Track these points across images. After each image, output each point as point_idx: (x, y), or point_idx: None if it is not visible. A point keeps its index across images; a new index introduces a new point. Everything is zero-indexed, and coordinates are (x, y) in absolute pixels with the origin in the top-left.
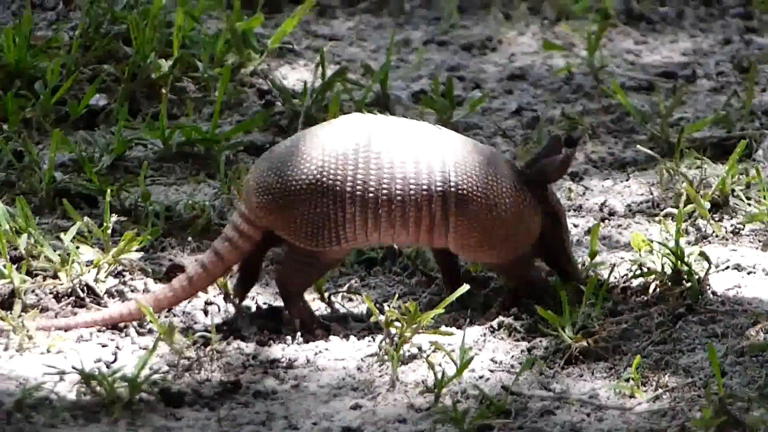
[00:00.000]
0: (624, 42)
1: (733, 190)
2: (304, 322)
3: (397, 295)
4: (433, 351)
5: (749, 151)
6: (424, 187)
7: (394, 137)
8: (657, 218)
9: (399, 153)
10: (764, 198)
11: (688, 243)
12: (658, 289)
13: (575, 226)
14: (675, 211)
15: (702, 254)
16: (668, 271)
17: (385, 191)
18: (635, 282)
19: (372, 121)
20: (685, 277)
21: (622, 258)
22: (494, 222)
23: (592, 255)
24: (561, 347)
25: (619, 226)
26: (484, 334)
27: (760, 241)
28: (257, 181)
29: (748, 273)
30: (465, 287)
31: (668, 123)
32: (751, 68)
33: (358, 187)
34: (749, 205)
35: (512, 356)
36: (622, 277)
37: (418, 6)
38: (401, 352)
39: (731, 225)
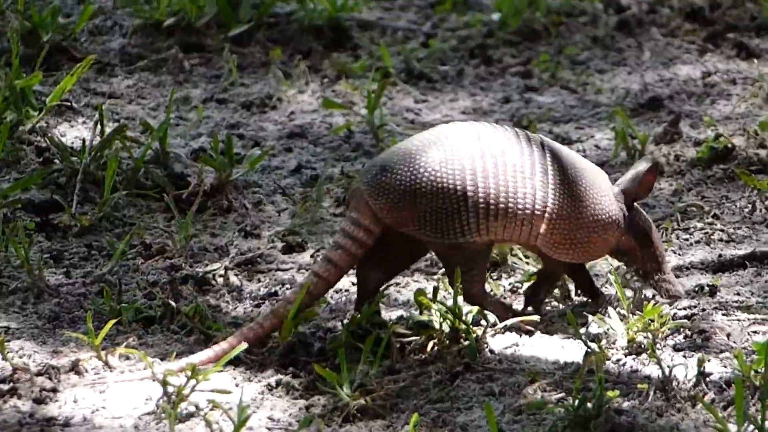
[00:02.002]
0: (404, 100)
1: (511, 249)
2: (501, 317)
3: (175, 354)
4: (211, 409)
5: None
6: (528, 185)
7: (503, 137)
8: (436, 276)
9: (507, 151)
10: None
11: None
12: (436, 348)
13: (353, 284)
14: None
15: (480, 312)
16: (446, 329)
17: (494, 186)
18: (413, 340)
19: (476, 125)
20: (463, 335)
21: (400, 316)
22: (582, 227)
23: (371, 311)
24: (339, 405)
25: (398, 284)
26: (262, 392)
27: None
28: (373, 186)
29: (526, 332)
30: None
31: None
32: (530, 127)
33: (479, 181)
34: (527, 263)
35: (290, 414)
36: (401, 335)
37: (198, 64)
38: (179, 410)
39: (509, 284)
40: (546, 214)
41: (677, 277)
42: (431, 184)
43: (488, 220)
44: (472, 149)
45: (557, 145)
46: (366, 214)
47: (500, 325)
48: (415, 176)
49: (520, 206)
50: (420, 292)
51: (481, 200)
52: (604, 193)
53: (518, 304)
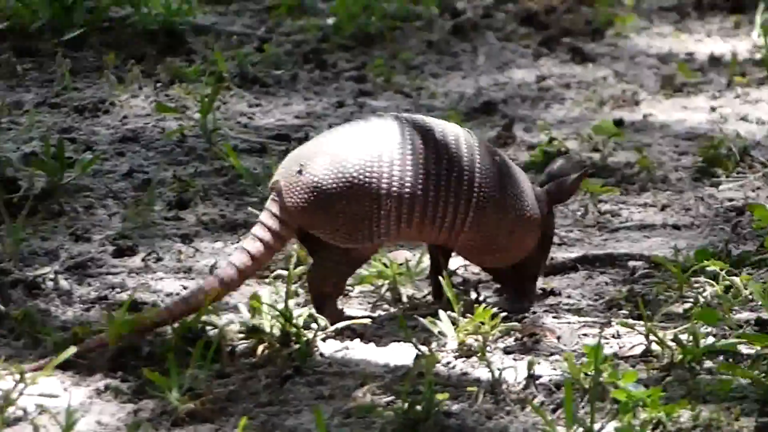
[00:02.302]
0: (237, 105)
1: None
2: (332, 322)
3: (3, 358)
4: (39, 413)
5: None
6: (453, 186)
7: (429, 137)
8: (267, 280)
9: (433, 152)
10: (374, 260)
11: (298, 305)
12: (266, 351)
13: (184, 288)
14: (285, 272)
15: (311, 316)
16: (276, 333)
17: (420, 189)
18: (244, 344)
19: (406, 119)
20: (294, 338)
21: (230, 320)
22: (504, 231)
23: (199, 314)
24: (168, 409)
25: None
26: (91, 396)
27: (369, 303)
28: (290, 183)
29: (357, 335)
30: None
31: None
32: None
33: (395, 184)
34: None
35: (118, 418)
36: (231, 339)
37: (31, 68)
38: (6, 414)
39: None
40: (468, 219)
41: None
42: (349, 187)
43: (404, 224)
44: (393, 150)
45: (485, 145)
46: (282, 207)
47: (331, 328)
48: (333, 178)
49: (441, 210)
50: (252, 296)
51: (402, 203)
52: (528, 196)
53: (351, 307)
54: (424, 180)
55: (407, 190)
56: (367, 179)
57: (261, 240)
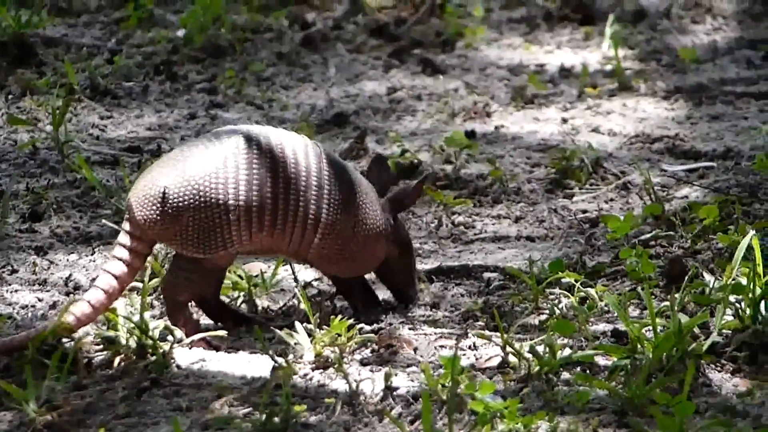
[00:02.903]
0: (89, 116)
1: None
2: (188, 333)
3: None
4: None
5: None
6: (301, 195)
7: (276, 148)
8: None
9: (280, 163)
10: (229, 272)
11: (153, 317)
12: (123, 363)
13: (39, 300)
14: (140, 284)
15: (167, 328)
16: (133, 344)
17: (268, 197)
18: (100, 356)
19: (251, 130)
20: (150, 350)
21: (86, 332)
22: (354, 240)
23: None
24: (25, 421)
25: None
26: None
27: None
28: (138, 198)
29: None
30: None
31: None
32: None
33: (241, 193)
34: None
35: None
36: (87, 351)
37: None
38: None
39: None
40: (320, 228)
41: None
42: (196, 198)
43: (254, 233)
44: (238, 159)
45: (331, 157)
46: (135, 223)
47: (187, 340)
48: (180, 189)
49: (291, 218)
50: (109, 309)
51: (250, 212)
52: (374, 206)
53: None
54: (271, 189)
55: (254, 199)
56: (212, 189)
57: (121, 260)
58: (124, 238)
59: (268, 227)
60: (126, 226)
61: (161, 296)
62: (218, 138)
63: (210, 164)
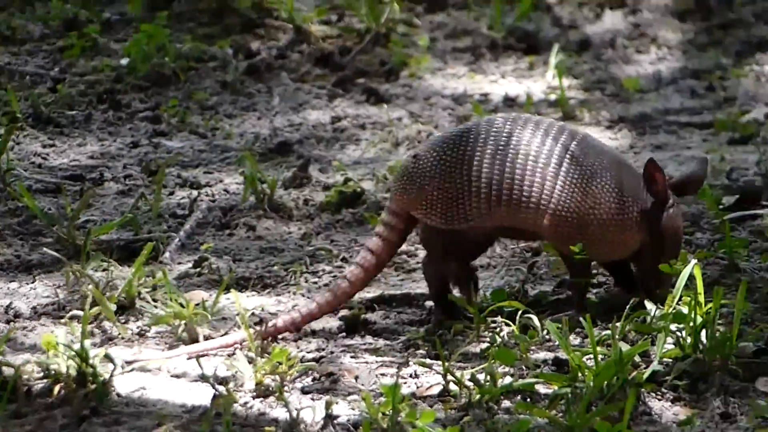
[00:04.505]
0: (31, 145)
1: (139, 293)
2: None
3: None
4: None
5: (156, 254)
6: (538, 172)
7: (523, 125)
8: (63, 320)
9: (523, 138)
10: (170, 300)
11: (94, 345)
12: (63, 391)
13: None
14: (81, 312)
15: (107, 356)
16: (73, 373)
17: (507, 172)
18: (40, 384)
19: (504, 114)
20: (90, 378)
21: (26, 360)
22: (591, 221)
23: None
24: None
25: (25, 328)
26: None
27: (166, 343)
28: (398, 171)
29: (154, 375)
30: None
31: (75, 226)
32: (159, 171)
33: (485, 167)
34: (155, 307)
35: None
36: (27, 379)
37: None
38: None
39: (137, 327)
40: (551, 206)
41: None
42: (439, 168)
43: (496, 206)
44: (486, 136)
45: (592, 141)
46: (392, 196)
47: (128, 367)
48: (427, 159)
49: (525, 194)
50: (48, 336)
51: (491, 185)
52: (624, 192)
53: (147, 347)
54: (510, 165)
55: (496, 173)
56: (457, 161)
57: (378, 235)
58: (384, 214)
59: (506, 201)
60: (388, 203)
61: (101, 324)
62: (472, 122)
63: (458, 139)
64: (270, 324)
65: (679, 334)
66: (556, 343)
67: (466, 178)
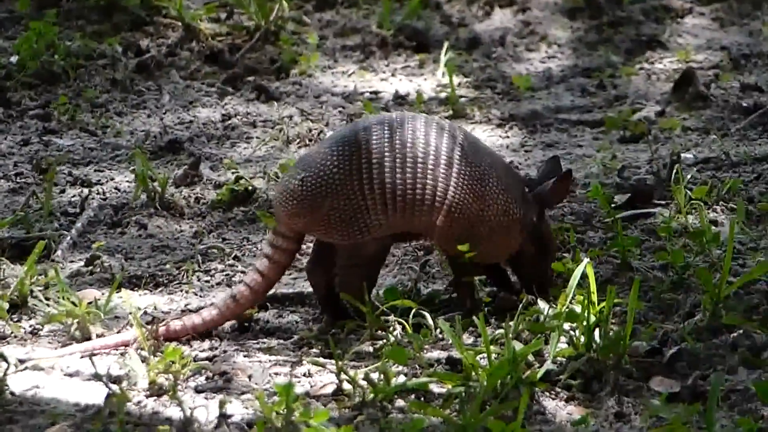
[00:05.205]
0: None
1: (32, 291)
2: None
3: None
4: None
5: (48, 252)
6: (429, 174)
7: (405, 128)
8: None
9: (408, 142)
10: (63, 298)
11: None
12: None
13: None
14: None
15: (0, 355)
16: None
17: (399, 178)
18: None
19: (387, 115)
20: None
21: None
22: (482, 222)
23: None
24: None
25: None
26: None
27: (59, 342)
28: (281, 194)
29: (47, 374)
30: None
31: None
32: (50, 169)
33: (375, 177)
34: (48, 305)
35: None
36: None
37: None
38: None
39: (30, 325)
40: (444, 207)
41: None
42: (332, 186)
43: (392, 213)
44: (369, 144)
45: (472, 139)
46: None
47: (21, 366)
48: (316, 180)
49: (419, 197)
50: None
51: (385, 194)
52: (509, 193)
53: (40, 346)
54: (401, 170)
55: (387, 181)
56: (347, 174)
57: (268, 257)
58: (271, 236)
59: (401, 207)
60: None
61: None
62: (350, 127)
63: (343, 151)
64: (171, 328)
65: (572, 333)
66: (450, 342)
67: (358, 190)
